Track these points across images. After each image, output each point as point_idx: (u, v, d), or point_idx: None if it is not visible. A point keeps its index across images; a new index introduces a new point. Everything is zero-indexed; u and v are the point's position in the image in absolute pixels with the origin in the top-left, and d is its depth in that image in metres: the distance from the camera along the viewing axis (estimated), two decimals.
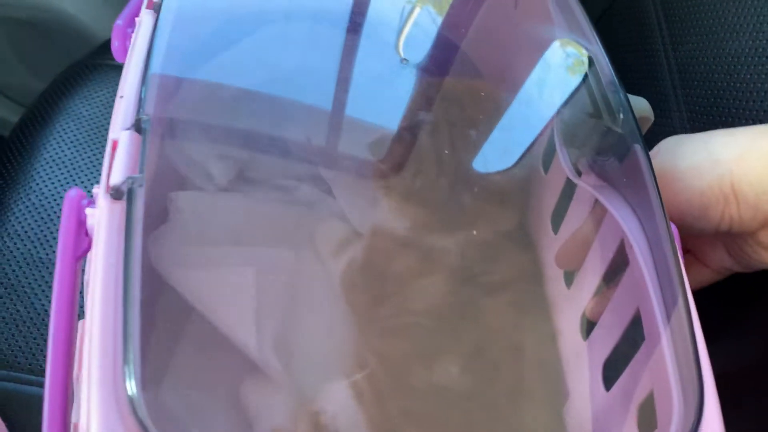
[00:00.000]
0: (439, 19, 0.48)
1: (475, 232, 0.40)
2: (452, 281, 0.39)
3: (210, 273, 0.35)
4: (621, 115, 0.33)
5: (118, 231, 0.26)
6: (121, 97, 0.30)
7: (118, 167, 0.27)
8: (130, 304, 0.23)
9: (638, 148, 0.32)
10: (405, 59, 0.40)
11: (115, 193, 0.26)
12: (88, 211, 0.29)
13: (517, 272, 0.42)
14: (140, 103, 0.28)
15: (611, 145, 0.34)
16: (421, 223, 0.40)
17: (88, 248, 0.30)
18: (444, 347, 0.36)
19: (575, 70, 0.42)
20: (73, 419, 0.27)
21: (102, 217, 0.26)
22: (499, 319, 0.40)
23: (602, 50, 0.36)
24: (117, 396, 0.23)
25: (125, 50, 0.36)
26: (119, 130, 0.28)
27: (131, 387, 0.22)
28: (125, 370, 0.22)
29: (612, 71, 0.34)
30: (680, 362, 0.27)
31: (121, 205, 0.27)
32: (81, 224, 0.29)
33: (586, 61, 0.39)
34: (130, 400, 0.22)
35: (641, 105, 0.34)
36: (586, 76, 0.38)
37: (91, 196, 0.30)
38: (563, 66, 0.42)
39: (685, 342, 0.27)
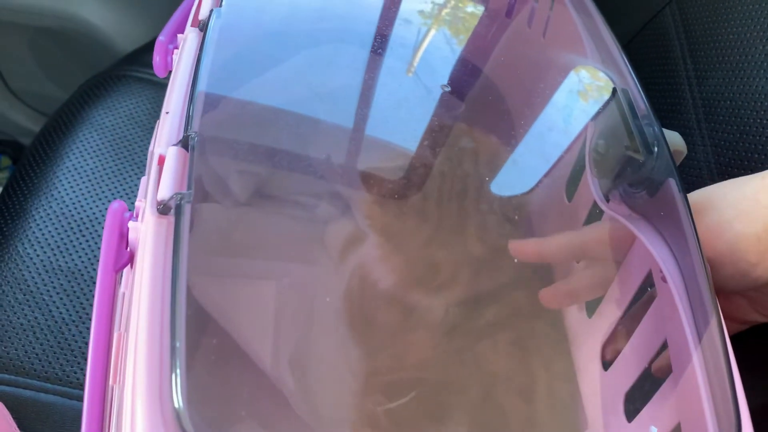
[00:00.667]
0: (455, 41, 0.48)
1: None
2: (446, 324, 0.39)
3: (231, 284, 0.35)
4: (656, 148, 0.33)
5: (164, 246, 0.26)
6: (167, 112, 0.30)
7: (166, 183, 0.27)
8: (177, 317, 0.24)
9: (673, 181, 0.32)
10: (446, 86, 0.41)
11: (163, 209, 0.27)
12: (131, 224, 0.29)
13: (513, 309, 0.42)
14: (188, 120, 0.29)
15: (645, 177, 0.34)
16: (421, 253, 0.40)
17: (127, 262, 0.30)
18: (449, 402, 0.36)
19: (588, 95, 0.42)
20: (113, 430, 0.27)
21: (148, 231, 0.27)
22: (502, 361, 0.40)
23: (636, 82, 0.36)
24: (163, 408, 0.23)
25: (166, 66, 0.37)
26: (165, 146, 0.29)
27: (178, 399, 0.22)
28: (173, 383, 0.23)
29: (647, 104, 0.35)
30: (715, 394, 0.27)
31: (167, 220, 0.27)
32: (122, 237, 0.30)
33: (604, 86, 0.39)
34: (177, 412, 0.22)
35: (674, 139, 0.35)
36: (607, 104, 0.38)
37: (132, 210, 0.31)
38: (575, 91, 0.43)
39: (720, 374, 0.27)
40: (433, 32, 0.49)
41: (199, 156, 0.39)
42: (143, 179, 0.35)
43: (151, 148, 0.33)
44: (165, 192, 0.27)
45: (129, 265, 0.30)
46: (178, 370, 0.23)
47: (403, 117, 0.44)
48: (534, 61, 0.48)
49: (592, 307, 0.42)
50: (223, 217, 0.39)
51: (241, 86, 0.42)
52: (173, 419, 0.22)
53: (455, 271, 0.40)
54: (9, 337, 0.52)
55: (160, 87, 0.72)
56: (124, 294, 0.31)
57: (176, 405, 0.22)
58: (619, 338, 0.39)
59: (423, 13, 0.50)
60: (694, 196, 0.36)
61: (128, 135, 0.67)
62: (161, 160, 0.28)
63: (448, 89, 0.40)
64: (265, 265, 0.38)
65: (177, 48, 0.37)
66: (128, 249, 0.30)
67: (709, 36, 0.54)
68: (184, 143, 0.28)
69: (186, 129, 0.29)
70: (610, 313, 0.41)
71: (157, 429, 0.22)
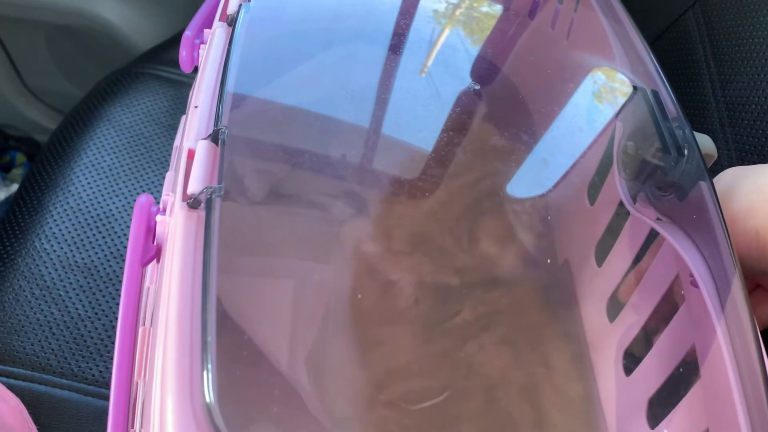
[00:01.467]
0: (468, 41, 0.48)
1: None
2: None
3: (246, 283, 0.35)
4: (686, 151, 0.33)
5: (194, 240, 0.26)
6: (196, 107, 0.30)
7: (196, 176, 0.27)
8: (209, 312, 0.23)
9: (705, 184, 0.32)
10: (475, 84, 0.41)
11: (193, 203, 0.27)
12: (158, 218, 0.29)
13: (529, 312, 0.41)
14: (218, 114, 0.28)
15: (675, 180, 0.34)
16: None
17: (154, 256, 0.30)
18: (454, 411, 0.35)
19: (613, 97, 0.42)
20: (136, 426, 0.27)
21: (178, 225, 0.26)
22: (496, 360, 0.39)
23: (666, 84, 0.36)
24: (193, 404, 0.23)
25: (192, 60, 0.37)
26: (195, 140, 0.29)
27: (209, 395, 0.22)
28: (204, 378, 0.22)
29: (677, 106, 0.35)
30: (749, 401, 0.27)
31: (197, 214, 0.27)
32: (149, 231, 0.30)
33: (629, 88, 0.39)
34: (208, 408, 0.22)
35: (705, 142, 0.34)
36: (633, 104, 0.38)
37: (159, 204, 0.31)
38: (600, 93, 0.42)
39: (755, 380, 0.27)
40: (450, 32, 0.49)
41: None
42: (169, 174, 0.35)
43: (177, 143, 0.33)
44: (195, 186, 0.26)
45: (155, 260, 0.30)
46: (209, 365, 0.22)
47: (420, 116, 0.44)
48: (556, 63, 0.48)
49: (613, 312, 0.42)
50: (239, 216, 0.39)
51: (262, 83, 0.41)
52: (204, 415, 0.22)
53: (473, 272, 0.40)
54: (26, 333, 0.52)
55: (178, 85, 0.72)
56: (149, 289, 0.31)
57: (207, 400, 0.22)
58: (642, 343, 0.39)
59: (440, 12, 0.50)
60: (720, 177, 0.36)
61: (146, 132, 0.67)
62: (191, 154, 0.28)
63: (477, 87, 0.40)
64: (280, 265, 0.38)
65: (203, 43, 0.36)
66: (155, 243, 0.29)
67: (733, 39, 0.54)
68: (214, 137, 0.28)
69: (216, 123, 0.28)
70: (633, 318, 0.40)
71: (188, 424, 0.22)
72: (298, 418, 0.29)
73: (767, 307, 0.38)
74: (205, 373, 0.23)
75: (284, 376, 0.29)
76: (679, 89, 0.56)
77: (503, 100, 0.46)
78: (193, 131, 0.29)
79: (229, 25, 0.34)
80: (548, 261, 0.35)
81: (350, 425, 0.30)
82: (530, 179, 0.42)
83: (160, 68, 0.73)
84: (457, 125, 0.43)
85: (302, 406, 0.31)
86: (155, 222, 0.29)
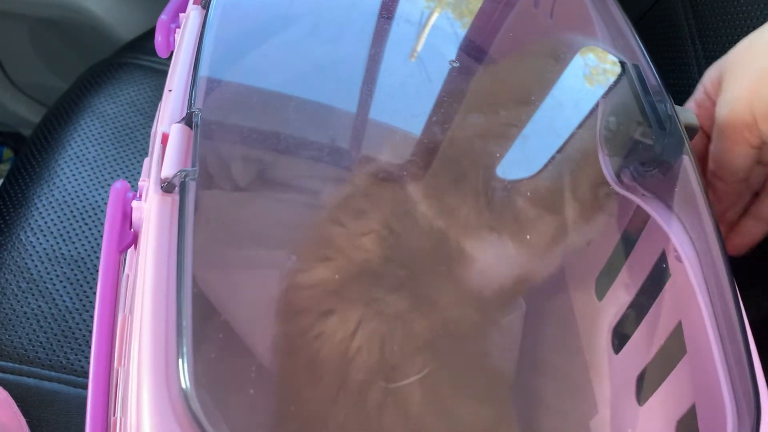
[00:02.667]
0: (458, 24, 0.48)
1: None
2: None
3: (230, 271, 0.34)
4: (668, 125, 0.33)
5: (169, 224, 0.26)
6: (170, 90, 0.30)
7: (169, 160, 0.26)
8: (183, 297, 0.23)
9: (687, 158, 0.32)
10: (455, 61, 0.40)
11: (167, 186, 0.26)
12: (134, 204, 0.28)
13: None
14: (191, 97, 0.28)
15: (657, 155, 0.33)
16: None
17: (131, 242, 0.30)
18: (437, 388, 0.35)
19: (594, 79, 0.41)
20: (117, 414, 0.27)
21: (152, 209, 0.26)
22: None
23: (648, 59, 0.36)
24: (169, 390, 0.22)
25: (168, 45, 0.36)
26: (169, 124, 0.28)
27: (185, 381, 0.22)
28: (179, 364, 0.22)
29: (659, 81, 0.34)
30: (733, 375, 0.27)
31: (171, 198, 0.26)
32: (126, 217, 0.29)
33: (613, 65, 0.38)
34: (184, 393, 0.22)
35: (686, 115, 0.34)
36: (618, 81, 0.37)
37: (136, 190, 0.30)
38: (581, 75, 0.42)
39: (738, 355, 0.27)
40: (436, 13, 0.48)
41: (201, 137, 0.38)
42: (146, 160, 0.34)
43: (153, 129, 0.33)
44: (169, 169, 0.26)
45: (133, 247, 0.30)
46: (184, 349, 0.22)
47: (409, 99, 0.44)
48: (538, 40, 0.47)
49: (601, 290, 0.42)
50: (223, 203, 0.38)
51: (243, 65, 0.41)
52: (180, 400, 0.22)
53: (464, 254, 0.39)
54: (13, 326, 0.52)
55: (161, 74, 0.71)
56: (128, 276, 0.30)
57: (183, 386, 0.22)
58: (631, 321, 0.39)
59: None
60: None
61: (130, 123, 0.66)
62: (165, 139, 0.28)
63: (457, 65, 0.40)
64: (261, 249, 0.38)
65: (179, 27, 0.36)
66: (132, 230, 0.29)
67: (718, 16, 0.54)
68: (188, 120, 0.28)
69: (189, 106, 0.28)
70: (621, 296, 0.40)
71: (164, 410, 0.22)
72: (275, 398, 0.28)
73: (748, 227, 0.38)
74: (180, 358, 0.22)
75: (260, 358, 0.29)
76: (665, 67, 0.56)
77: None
78: (167, 115, 0.29)
79: (204, 7, 0.34)
80: (527, 237, 0.35)
81: (329, 405, 0.29)
82: (519, 161, 0.42)
83: (143, 58, 0.72)
84: (446, 108, 0.43)
85: (279, 387, 0.30)
86: (131, 208, 0.28)
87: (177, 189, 0.26)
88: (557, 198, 0.38)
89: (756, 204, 0.40)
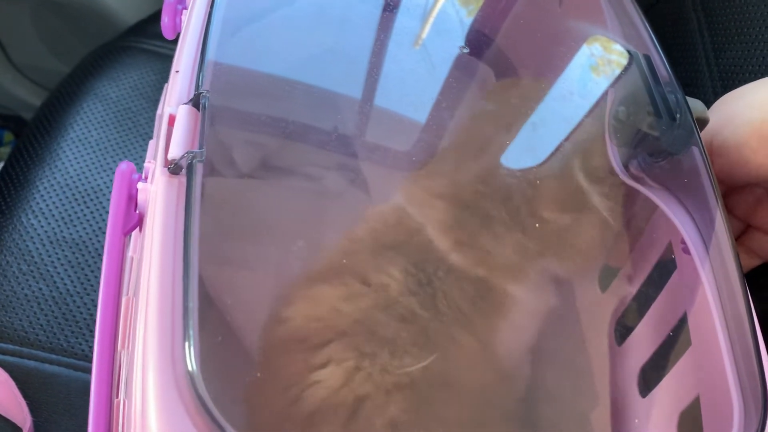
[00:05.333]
0: (464, 11, 0.47)
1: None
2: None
3: (235, 250, 0.34)
4: (678, 116, 0.32)
5: (176, 206, 0.25)
6: (177, 71, 0.29)
7: (176, 141, 0.26)
8: (190, 279, 0.23)
9: (696, 150, 0.31)
10: (465, 47, 0.40)
11: (174, 168, 0.26)
12: (140, 185, 0.28)
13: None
14: (199, 78, 0.28)
15: (667, 146, 0.33)
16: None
17: (136, 224, 0.29)
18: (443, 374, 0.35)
19: (600, 70, 0.41)
20: (120, 396, 0.27)
21: (158, 191, 0.26)
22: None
23: (659, 50, 0.35)
24: (175, 373, 0.22)
25: (174, 26, 0.36)
26: (176, 105, 0.28)
27: (191, 363, 0.22)
28: (185, 346, 0.22)
29: (669, 71, 0.34)
30: (739, 366, 0.27)
31: (178, 180, 0.26)
32: (131, 199, 0.29)
33: (623, 55, 0.38)
34: (190, 376, 0.22)
35: (697, 107, 0.34)
36: (627, 70, 0.37)
37: (141, 172, 0.30)
38: (593, 61, 0.41)
39: (746, 347, 0.27)
40: (444, 1, 0.48)
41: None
42: (151, 142, 0.34)
43: (159, 110, 0.32)
44: (176, 151, 0.26)
45: (138, 229, 0.29)
46: (191, 332, 0.22)
47: (414, 86, 0.43)
48: (549, 31, 0.47)
49: (605, 282, 0.42)
50: (227, 188, 0.38)
51: (248, 50, 0.41)
52: (186, 383, 0.22)
53: (470, 241, 0.39)
54: (14, 308, 0.52)
55: (164, 58, 0.71)
56: (132, 258, 0.30)
57: (189, 368, 0.22)
58: (635, 313, 0.39)
59: None
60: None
61: (133, 107, 0.66)
62: (171, 120, 0.27)
63: (467, 50, 0.39)
64: (268, 233, 0.37)
65: (186, 9, 0.36)
66: (137, 211, 0.29)
67: (727, 8, 0.53)
68: (195, 102, 0.27)
69: (197, 87, 0.28)
70: (625, 287, 0.40)
71: (170, 393, 0.22)
72: (269, 365, 0.28)
73: (762, 242, 0.38)
74: (186, 341, 0.22)
75: (268, 333, 0.29)
76: (673, 59, 0.56)
77: (497, 71, 0.45)
78: (174, 96, 0.28)
79: None
80: (536, 225, 0.34)
81: (318, 367, 0.29)
82: (525, 149, 0.42)
83: (147, 42, 0.72)
84: (451, 95, 0.42)
85: (273, 355, 0.30)
86: (137, 189, 0.28)
87: (184, 171, 0.26)
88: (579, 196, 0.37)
89: (748, 236, 0.40)
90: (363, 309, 0.31)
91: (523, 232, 0.36)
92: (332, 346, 0.29)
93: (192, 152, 0.26)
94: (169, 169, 0.26)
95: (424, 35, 0.45)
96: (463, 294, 0.33)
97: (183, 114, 0.27)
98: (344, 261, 0.33)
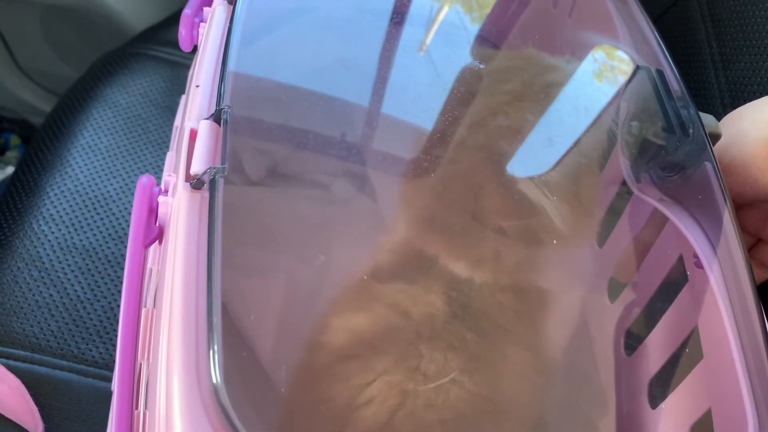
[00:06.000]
0: (467, 19, 0.48)
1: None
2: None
3: (252, 264, 0.34)
4: (691, 131, 0.33)
5: (198, 221, 0.26)
6: (197, 86, 0.30)
7: (198, 157, 0.27)
8: (214, 293, 0.23)
9: (710, 165, 0.32)
10: (480, 64, 0.40)
11: (196, 183, 0.26)
12: (160, 199, 0.29)
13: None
14: (220, 93, 0.28)
15: (679, 160, 0.33)
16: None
17: (156, 237, 0.30)
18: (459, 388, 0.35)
19: (603, 76, 0.41)
20: (140, 408, 0.27)
21: (181, 206, 0.26)
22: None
23: (672, 64, 0.36)
24: (200, 385, 0.23)
25: (192, 39, 0.36)
26: (197, 119, 0.28)
27: (216, 376, 0.22)
28: (210, 359, 0.22)
29: (682, 86, 0.34)
30: (753, 380, 0.27)
31: (200, 195, 0.26)
32: (152, 212, 0.29)
33: (632, 68, 0.38)
34: (215, 388, 0.22)
35: (709, 122, 0.34)
36: (636, 83, 0.37)
37: (160, 185, 0.30)
38: (590, 72, 0.42)
39: (760, 360, 0.27)
40: (449, 9, 0.48)
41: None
42: (170, 154, 0.34)
43: (177, 123, 0.33)
44: (198, 166, 0.26)
45: (158, 242, 0.30)
46: (215, 346, 0.22)
47: (421, 94, 0.44)
48: (558, 42, 0.47)
49: (614, 293, 0.42)
50: (239, 197, 0.38)
51: (263, 62, 0.41)
52: (211, 395, 0.22)
53: (476, 250, 0.39)
54: (25, 314, 0.52)
55: (174, 65, 0.71)
56: (152, 270, 0.30)
57: (214, 381, 0.22)
58: (644, 324, 0.39)
59: None
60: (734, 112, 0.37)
61: (143, 113, 0.66)
62: (193, 134, 0.28)
63: (482, 66, 0.40)
64: (283, 245, 0.38)
65: (203, 21, 0.36)
66: (157, 224, 0.29)
67: (735, 19, 0.54)
68: (217, 117, 0.28)
69: (218, 103, 0.28)
70: (634, 299, 0.40)
71: (195, 405, 0.22)
72: (306, 397, 0.28)
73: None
74: (211, 353, 0.22)
75: (291, 356, 0.29)
76: (681, 70, 0.56)
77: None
78: (194, 111, 0.29)
79: (230, 2, 0.34)
80: (554, 242, 0.35)
81: (360, 406, 0.29)
82: (532, 158, 0.42)
83: (156, 48, 0.72)
84: (458, 104, 0.43)
85: (310, 385, 0.30)
86: (157, 203, 0.29)
87: (206, 186, 0.26)
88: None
89: (758, 250, 0.40)
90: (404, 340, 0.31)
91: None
92: (374, 385, 0.29)
93: (214, 168, 0.26)
94: (191, 184, 0.26)
95: (430, 45, 0.46)
96: (501, 308, 0.34)
97: (205, 129, 0.27)
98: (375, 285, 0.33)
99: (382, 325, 0.31)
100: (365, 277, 0.33)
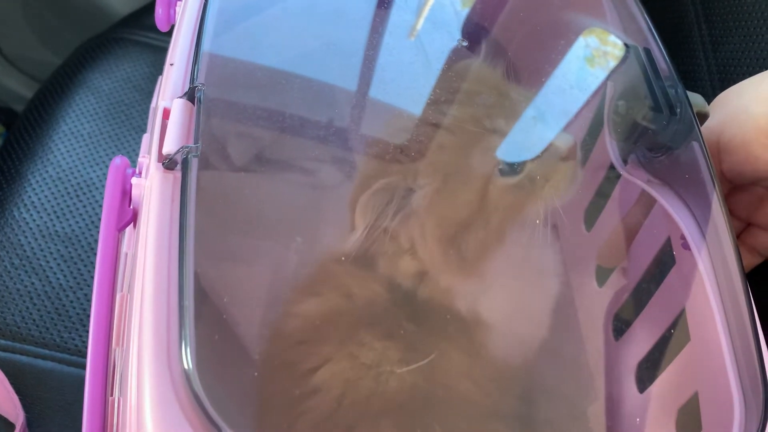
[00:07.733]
0: (458, 3, 0.47)
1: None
2: None
3: (230, 247, 0.34)
4: (679, 110, 0.32)
5: (170, 202, 0.25)
6: (171, 64, 0.29)
7: (171, 136, 0.26)
8: (186, 277, 0.22)
9: (697, 144, 0.31)
10: (463, 41, 0.40)
11: (169, 163, 0.25)
12: (134, 180, 0.28)
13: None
14: (194, 71, 0.27)
15: (666, 141, 0.33)
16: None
17: (130, 220, 0.29)
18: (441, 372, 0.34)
19: (594, 61, 0.41)
20: (115, 394, 0.26)
21: (153, 187, 0.25)
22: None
23: (659, 44, 0.35)
24: (171, 371, 0.22)
25: (168, 19, 0.35)
26: (170, 98, 0.27)
27: (187, 362, 0.21)
28: (181, 345, 0.22)
29: (670, 66, 0.34)
30: (740, 362, 0.27)
31: (173, 175, 0.26)
32: (125, 194, 0.28)
33: (621, 48, 0.38)
34: (186, 375, 0.21)
35: (697, 101, 0.34)
36: (626, 63, 0.37)
37: (135, 167, 0.30)
38: (582, 57, 0.41)
39: (746, 343, 0.26)
40: None
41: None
42: (145, 136, 0.33)
43: (153, 104, 0.32)
44: (171, 146, 0.25)
45: (132, 225, 0.29)
46: (187, 331, 0.22)
47: (409, 78, 0.43)
48: (546, 23, 0.46)
49: (602, 277, 0.42)
50: (221, 182, 0.37)
51: (244, 43, 0.40)
52: (182, 381, 0.21)
53: (466, 236, 0.39)
54: (5, 303, 0.51)
55: (157, 50, 0.70)
56: (126, 254, 0.30)
57: (185, 366, 0.21)
58: (632, 307, 0.39)
59: None
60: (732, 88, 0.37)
61: (126, 99, 0.65)
62: (166, 113, 0.27)
63: (465, 44, 0.39)
64: (264, 229, 0.37)
65: (180, 0, 0.35)
66: (131, 207, 0.28)
67: (724, 1, 0.53)
68: (190, 95, 0.27)
69: (192, 81, 0.27)
70: (622, 282, 0.40)
71: (166, 391, 0.21)
72: (274, 384, 0.28)
73: (764, 239, 0.38)
74: (182, 339, 0.22)
75: (264, 340, 0.29)
76: (671, 51, 0.55)
77: (493, 62, 0.45)
78: (168, 90, 0.28)
79: None
80: (537, 222, 0.34)
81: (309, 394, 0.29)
82: (521, 142, 0.41)
83: (139, 33, 0.71)
84: (446, 87, 0.42)
85: (282, 369, 0.30)
86: (131, 185, 0.28)
87: (179, 166, 0.25)
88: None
89: (749, 234, 0.40)
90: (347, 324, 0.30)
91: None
92: (319, 374, 0.28)
93: (187, 147, 0.25)
94: (163, 164, 0.26)
95: (420, 28, 0.45)
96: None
97: (178, 108, 0.27)
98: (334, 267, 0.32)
99: (326, 308, 0.30)
100: (343, 258, 0.32)
